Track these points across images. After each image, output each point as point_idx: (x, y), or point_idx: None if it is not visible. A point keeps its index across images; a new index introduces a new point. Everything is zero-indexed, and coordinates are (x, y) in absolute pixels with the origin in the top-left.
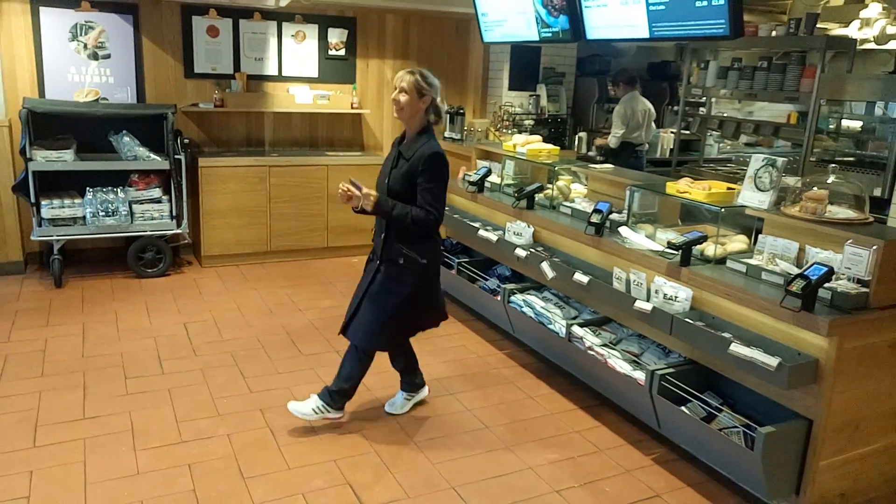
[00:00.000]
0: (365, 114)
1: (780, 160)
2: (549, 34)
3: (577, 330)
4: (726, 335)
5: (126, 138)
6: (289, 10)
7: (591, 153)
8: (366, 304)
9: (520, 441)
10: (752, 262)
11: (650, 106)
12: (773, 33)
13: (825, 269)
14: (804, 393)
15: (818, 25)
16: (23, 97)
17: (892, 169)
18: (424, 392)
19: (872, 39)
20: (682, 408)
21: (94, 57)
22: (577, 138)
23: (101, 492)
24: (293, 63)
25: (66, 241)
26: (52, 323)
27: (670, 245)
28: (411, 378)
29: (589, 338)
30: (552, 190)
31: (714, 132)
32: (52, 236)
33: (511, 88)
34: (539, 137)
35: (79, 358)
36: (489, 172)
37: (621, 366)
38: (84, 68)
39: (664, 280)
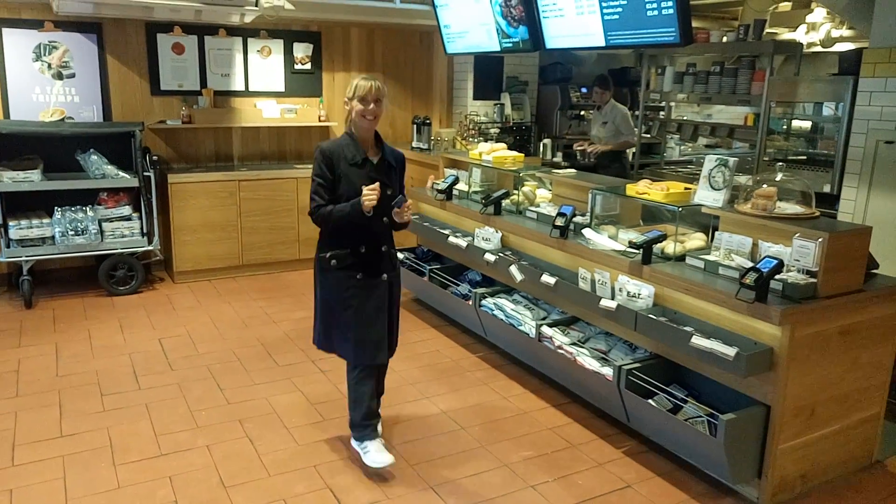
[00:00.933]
0: (332, 126)
1: (732, 160)
2: (510, 44)
3: (546, 330)
4: (688, 329)
5: (94, 157)
6: (254, 26)
7: (560, 162)
8: (395, 320)
9: (494, 440)
10: (710, 258)
11: None
12: (725, 39)
13: (775, 261)
14: (761, 380)
15: (767, 30)
16: None
17: (839, 166)
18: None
19: (819, 43)
20: (650, 401)
21: (59, 76)
22: (542, 145)
23: None
24: (260, 78)
25: (35, 262)
26: (24, 343)
27: (632, 244)
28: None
29: (558, 337)
30: (518, 196)
31: (673, 135)
32: (20, 257)
33: (476, 98)
34: (504, 145)
35: (53, 377)
36: (457, 180)
37: (590, 363)
38: (49, 88)
39: (627, 278)
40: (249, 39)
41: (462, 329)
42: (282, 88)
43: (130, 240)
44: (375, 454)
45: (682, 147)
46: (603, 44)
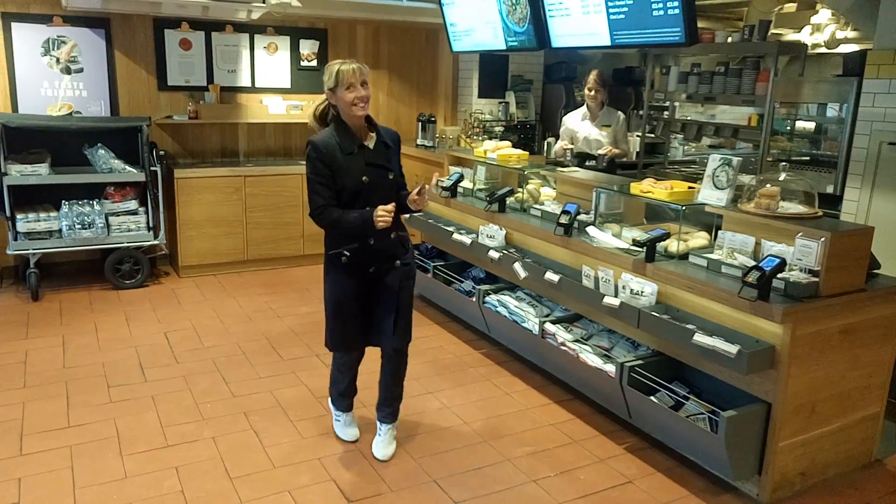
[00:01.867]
0: None
1: (736, 160)
2: (516, 43)
3: (549, 327)
4: (690, 326)
5: (101, 151)
6: (260, 23)
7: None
8: (402, 311)
9: (497, 435)
10: (713, 256)
11: None
12: (729, 39)
13: (778, 260)
14: (762, 378)
15: (772, 31)
16: None
17: (842, 167)
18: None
19: (823, 44)
20: (652, 398)
21: (67, 71)
22: (546, 143)
23: (90, 496)
24: (266, 74)
25: (42, 255)
26: (32, 335)
27: (635, 242)
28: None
29: (561, 334)
30: (522, 193)
31: (677, 135)
32: (28, 250)
33: (481, 96)
34: (509, 143)
35: (60, 368)
36: (461, 178)
37: (592, 360)
38: (57, 82)
39: (630, 276)
40: (256, 36)
41: (466, 325)
42: (288, 85)
43: (136, 234)
44: (343, 427)
45: (686, 147)
46: (608, 43)
